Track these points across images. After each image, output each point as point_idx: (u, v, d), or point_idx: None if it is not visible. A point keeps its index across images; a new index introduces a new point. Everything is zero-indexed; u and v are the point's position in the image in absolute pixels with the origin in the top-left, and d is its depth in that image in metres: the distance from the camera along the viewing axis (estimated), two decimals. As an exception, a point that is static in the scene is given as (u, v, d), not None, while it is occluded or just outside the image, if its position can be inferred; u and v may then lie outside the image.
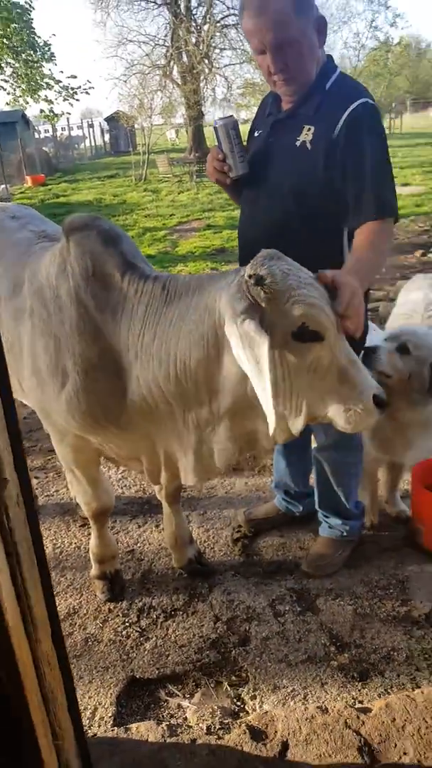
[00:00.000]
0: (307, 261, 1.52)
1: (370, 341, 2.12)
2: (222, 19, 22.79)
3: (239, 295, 1.38)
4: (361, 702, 1.75)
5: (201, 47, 21.74)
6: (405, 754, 1.52)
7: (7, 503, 0.83)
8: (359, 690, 1.80)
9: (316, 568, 2.27)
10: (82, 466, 1.97)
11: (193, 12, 23.11)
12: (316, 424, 2.06)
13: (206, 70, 22.38)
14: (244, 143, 1.95)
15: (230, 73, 22.63)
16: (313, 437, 2.25)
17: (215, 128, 1.88)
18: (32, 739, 0.95)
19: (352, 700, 1.76)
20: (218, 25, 22.46)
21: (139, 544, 2.49)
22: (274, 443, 1.63)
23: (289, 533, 2.49)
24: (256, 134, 2.01)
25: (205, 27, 22.56)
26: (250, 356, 1.31)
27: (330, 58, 1.89)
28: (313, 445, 2.27)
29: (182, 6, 22.68)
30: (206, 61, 22.21)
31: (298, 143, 1.82)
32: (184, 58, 22.16)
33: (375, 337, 2.25)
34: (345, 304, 1.40)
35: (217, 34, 22.32)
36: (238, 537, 2.48)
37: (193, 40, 21.96)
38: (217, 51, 22.51)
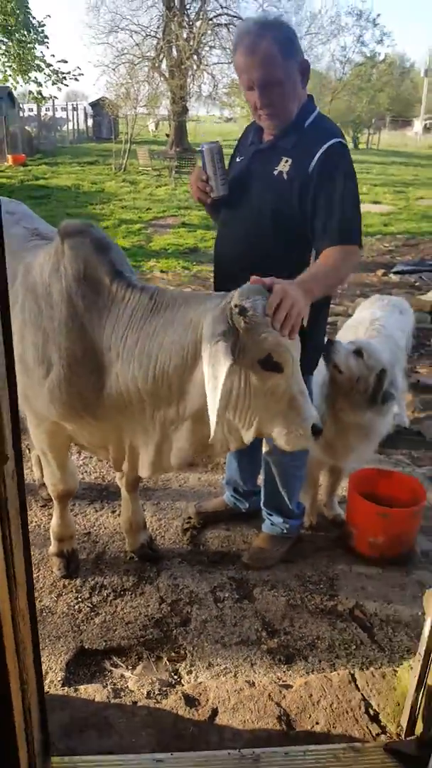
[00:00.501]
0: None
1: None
2: (215, 17, 22.93)
3: (221, 318, 1.57)
4: (284, 681, 1.97)
5: (191, 43, 21.82)
6: (317, 723, 1.74)
7: (5, 476, 1.00)
8: (284, 671, 2.01)
9: (255, 561, 2.47)
10: (54, 450, 2.12)
11: (187, 7, 23.17)
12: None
13: (194, 67, 22.46)
14: (227, 167, 2.12)
15: (218, 71, 22.78)
16: (264, 441, 2.45)
17: (201, 151, 2.04)
18: (4, 681, 1.12)
19: (277, 679, 1.97)
20: (210, 22, 22.58)
21: (95, 528, 2.66)
22: (225, 451, 1.83)
23: (234, 527, 2.69)
24: (238, 160, 2.19)
25: (198, 23, 22.64)
26: (210, 373, 1.51)
27: (311, 97, 2.08)
28: (264, 449, 2.48)
29: (177, 0, 22.69)
30: (195, 57, 22.30)
31: (275, 172, 2.00)
32: (174, 53, 22.20)
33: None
34: (271, 306, 1.57)
35: (209, 31, 22.43)
36: (187, 527, 2.67)
37: (185, 35, 22.02)
38: (206, 48, 22.66)
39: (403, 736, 1.68)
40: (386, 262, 8.26)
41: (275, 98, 1.94)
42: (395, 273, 7.61)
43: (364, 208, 12.53)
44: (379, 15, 40.53)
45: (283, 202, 1.99)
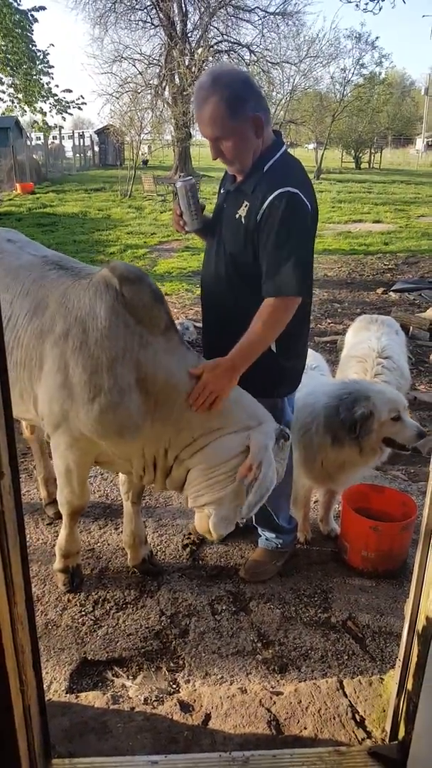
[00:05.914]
0: (238, 314, 2.02)
1: (303, 384, 2.45)
2: (215, 44, 23.50)
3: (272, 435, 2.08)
4: (276, 688, 2.05)
5: (193, 70, 22.32)
6: (305, 728, 1.83)
7: (2, 492, 1.12)
8: (278, 681, 2.09)
9: (252, 575, 2.56)
10: (80, 467, 2.23)
11: (188, 35, 23.75)
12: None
13: (197, 93, 22.90)
14: (201, 201, 2.25)
15: (220, 97, 23.15)
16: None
17: (176, 187, 2.20)
18: (4, 682, 1.24)
19: (270, 687, 2.06)
20: (211, 49, 23.12)
21: (99, 544, 2.77)
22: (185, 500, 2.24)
23: (232, 543, 2.79)
24: (222, 191, 2.29)
25: (199, 50, 23.18)
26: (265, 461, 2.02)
27: (278, 134, 2.15)
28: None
29: (178, 29, 23.28)
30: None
31: (236, 216, 2.11)
32: (176, 80, 22.70)
33: (312, 381, 2.58)
34: (194, 395, 1.99)
35: (210, 58, 22.95)
36: (187, 543, 2.77)
37: (186, 62, 22.54)
38: (208, 75, 23.13)
39: (387, 740, 1.75)
40: (386, 281, 8.37)
41: (225, 151, 2.05)
42: (395, 291, 7.72)
43: (366, 227, 12.82)
44: (378, 38, 41.29)
45: (239, 245, 2.11)
